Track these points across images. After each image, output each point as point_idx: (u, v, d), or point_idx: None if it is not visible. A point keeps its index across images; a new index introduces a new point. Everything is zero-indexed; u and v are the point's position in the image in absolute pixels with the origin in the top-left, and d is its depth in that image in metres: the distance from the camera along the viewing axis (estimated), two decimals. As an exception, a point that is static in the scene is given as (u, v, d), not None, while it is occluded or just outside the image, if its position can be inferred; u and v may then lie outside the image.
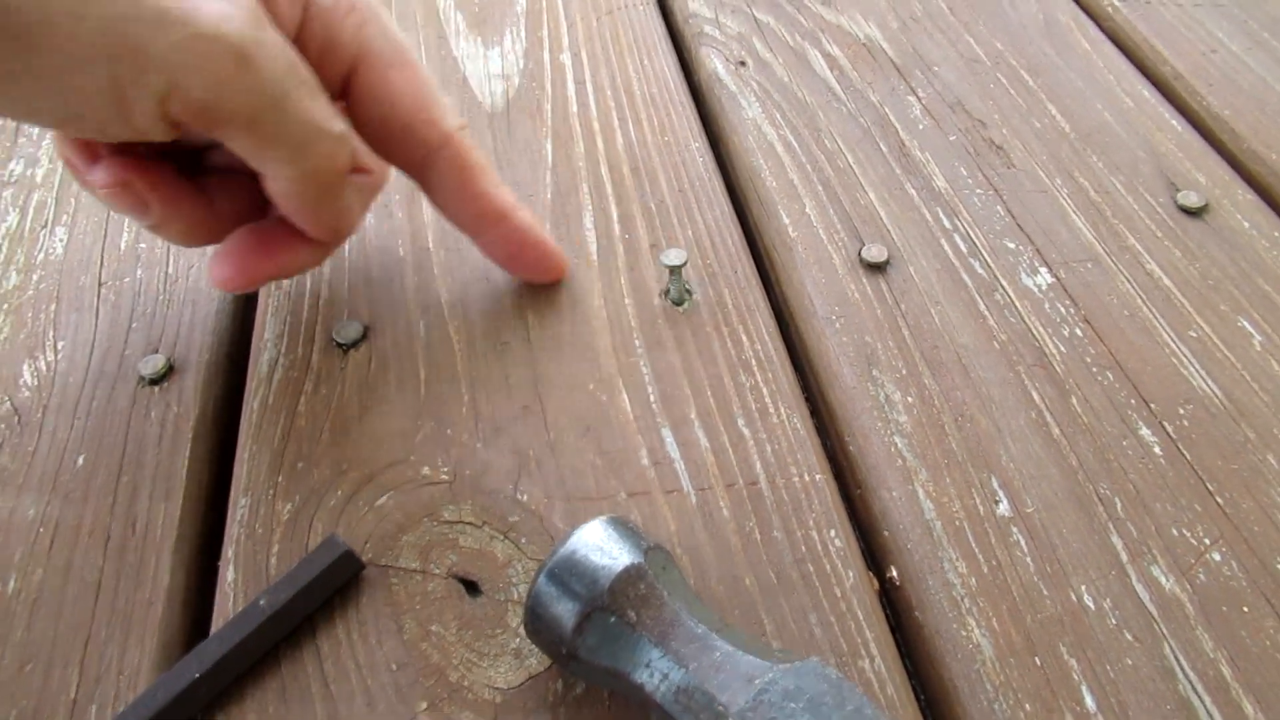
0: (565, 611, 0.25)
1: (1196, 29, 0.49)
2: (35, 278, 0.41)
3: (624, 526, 0.26)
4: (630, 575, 0.25)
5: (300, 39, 0.30)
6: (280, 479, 0.33)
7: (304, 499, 0.32)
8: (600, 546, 0.26)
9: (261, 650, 0.28)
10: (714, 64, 0.49)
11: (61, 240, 0.42)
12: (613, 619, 0.25)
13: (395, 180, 0.44)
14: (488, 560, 0.30)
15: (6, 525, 0.32)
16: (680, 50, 0.51)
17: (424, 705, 0.27)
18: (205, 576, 0.32)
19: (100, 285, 0.40)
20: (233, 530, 0.32)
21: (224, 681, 0.28)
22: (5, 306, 0.40)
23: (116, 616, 0.30)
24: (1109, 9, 0.51)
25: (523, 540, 0.31)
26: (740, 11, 0.52)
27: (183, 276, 0.40)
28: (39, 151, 0.47)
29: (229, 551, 0.31)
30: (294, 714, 0.27)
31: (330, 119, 0.29)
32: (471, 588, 0.30)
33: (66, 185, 0.45)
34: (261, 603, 0.28)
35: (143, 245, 0.42)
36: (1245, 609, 0.29)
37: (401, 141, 0.33)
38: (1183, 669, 0.27)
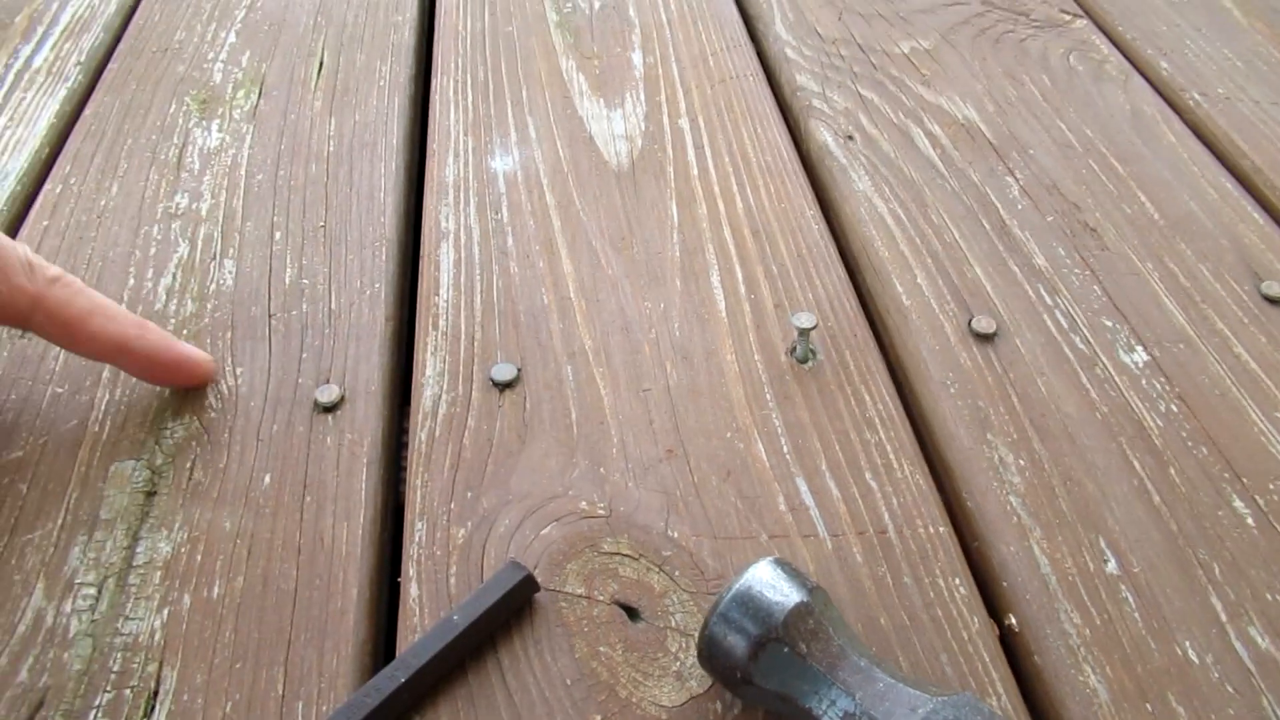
0: (741, 641, 0.28)
1: (1273, 125, 0.53)
2: (210, 306, 0.45)
3: (789, 567, 0.30)
4: (801, 611, 0.28)
5: None
6: (452, 505, 0.37)
7: (475, 525, 0.36)
8: (772, 584, 0.29)
9: (452, 662, 0.32)
10: (824, 136, 0.53)
11: (230, 272, 0.46)
12: (785, 649, 0.28)
13: (535, 230, 0.48)
14: (646, 590, 0.34)
15: (207, 535, 0.36)
16: (789, 121, 0.55)
17: (598, 718, 0.31)
18: (388, 590, 0.35)
19: (270, 317, 0.44)
20: (412, 550, 0.35)
21: (422, 688, 0.31)
22: (185, 332, 0.44)
23: (312, 623, 0.34)
24: (1190, 102, 0.55)
25: (676, 573, 0.34)
26: (845, 87, 0.56)
27: (345, 312, 0.44)
28: (201, 186, 0.52)
29: (410, 570, 0.35)
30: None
31: None
32: (632, 614, 0.33)
33: (230, 219, 0.49)
34: (455, 618, 0.32)
35: (305, 281, 0.46)
36: (1334, 671, 0.32)
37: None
38: (1280, 722, 0.30)
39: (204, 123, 0.56)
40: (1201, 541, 0.35)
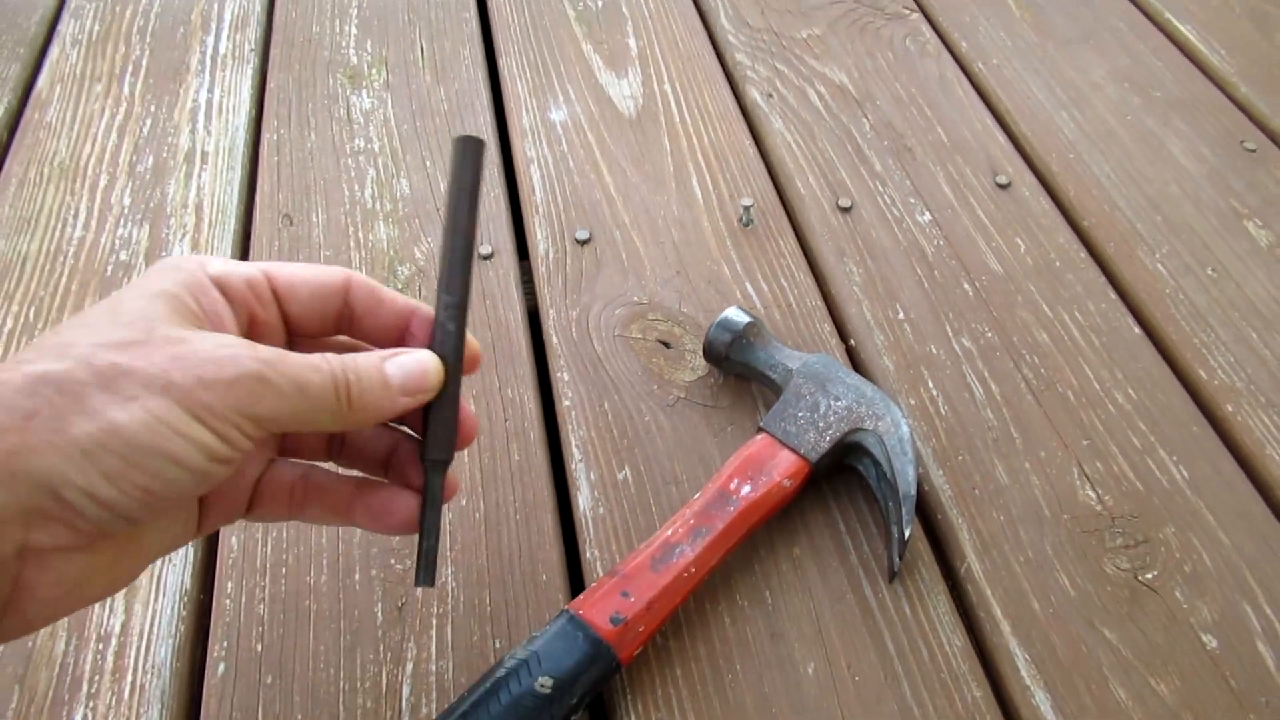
0: (724, 339, 0.62)
1: (1022, 85, 0.87)
2: (400, 205, 0.77)
3: (743, 308, 0.64)
4: (750, 326, 0.62)
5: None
6: (566, 301, 0.70)
7: (581, 310, 0.69)
8: (737, 315, 0.63)
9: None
10: (754, 95, 0.86)
11: (407, 186, 0.78)
12: (744, 341, 0.62)
13: (584, 156, 0.80)
14: (672, 335, 0.68)
15: (440, 319, 0.69)
16: (732, 85, 0.88)
17: (655, 387, 0.65)
18: (535, 332, 0.69)
19: (438, 210, 0.76)
20: (549, 321, 0.69)
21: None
22: (390, 220, 0.76)
23: (503, 354, 0.67)
24: (977, 69, 0.89)
25: (687, 326, 0.68)
26: (766, 62, 0.89)
27: (482, 205, 0.76)
28: (370, 133, 0.83)
29: (550, 329, 0.68)
30: (593, 382, 0.64)
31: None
32: (666, 345, 0.67)
33: (396, 154, 0.81)
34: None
35: (453, 189, 0.78)
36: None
37: None
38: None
39: (356, 91, 0.87)
40: (947, 303, 0.70)
